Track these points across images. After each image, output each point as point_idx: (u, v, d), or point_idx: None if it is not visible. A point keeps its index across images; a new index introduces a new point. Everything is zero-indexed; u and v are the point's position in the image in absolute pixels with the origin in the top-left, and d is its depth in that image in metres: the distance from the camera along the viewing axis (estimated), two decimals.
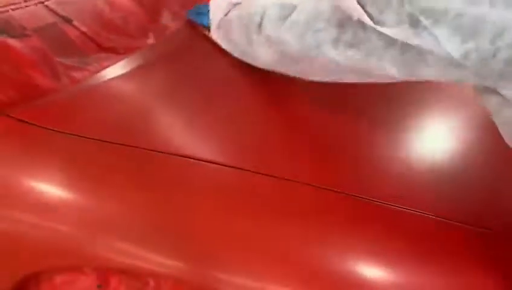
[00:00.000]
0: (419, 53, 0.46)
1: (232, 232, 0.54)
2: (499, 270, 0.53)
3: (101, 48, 0.76)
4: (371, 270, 0.52)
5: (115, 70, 0.72)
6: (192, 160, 0.58)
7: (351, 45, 0.52)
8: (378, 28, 0.47)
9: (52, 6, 0.78)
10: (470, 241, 0.55)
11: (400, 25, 0.45)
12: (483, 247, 0.55)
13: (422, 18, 0.42)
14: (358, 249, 0.53)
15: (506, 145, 0.51)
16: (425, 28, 0.43)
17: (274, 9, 0.61)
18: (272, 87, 0.75)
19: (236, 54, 0.74)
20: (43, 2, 0.78)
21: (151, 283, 0.55)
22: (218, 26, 0.75)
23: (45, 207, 0.57)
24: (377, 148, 0.68)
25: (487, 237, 0.56)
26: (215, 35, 0.77)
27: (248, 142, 0.65)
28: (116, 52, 0.75)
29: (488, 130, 0.65)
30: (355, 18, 0.49)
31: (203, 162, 0.59)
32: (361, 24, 0.49)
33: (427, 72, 0.49)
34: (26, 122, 0.60)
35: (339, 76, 0.60)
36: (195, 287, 0.54)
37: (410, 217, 0.56)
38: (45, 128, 0.60)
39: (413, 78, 0.52)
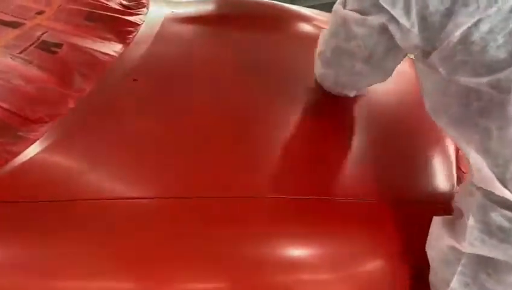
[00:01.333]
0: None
1: (163, 248, 0.70)
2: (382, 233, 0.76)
3: (29, 120, 0.84)
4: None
5: (46, 139, 0.82)
6: (121, 200, 0.73)
7: None
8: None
9: None
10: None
11: (378, 12, 0.67)
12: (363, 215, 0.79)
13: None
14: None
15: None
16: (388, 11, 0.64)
17: None
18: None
19: None
20: None
21: None
22: None
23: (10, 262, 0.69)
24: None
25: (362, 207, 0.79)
26: None
27: (165, 176, 0.79)
28: (43, 121, 0.85)
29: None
30: None
31: (132, 200, 0.73)
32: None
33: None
34: None
35: None
36: None
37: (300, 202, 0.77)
38: None
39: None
